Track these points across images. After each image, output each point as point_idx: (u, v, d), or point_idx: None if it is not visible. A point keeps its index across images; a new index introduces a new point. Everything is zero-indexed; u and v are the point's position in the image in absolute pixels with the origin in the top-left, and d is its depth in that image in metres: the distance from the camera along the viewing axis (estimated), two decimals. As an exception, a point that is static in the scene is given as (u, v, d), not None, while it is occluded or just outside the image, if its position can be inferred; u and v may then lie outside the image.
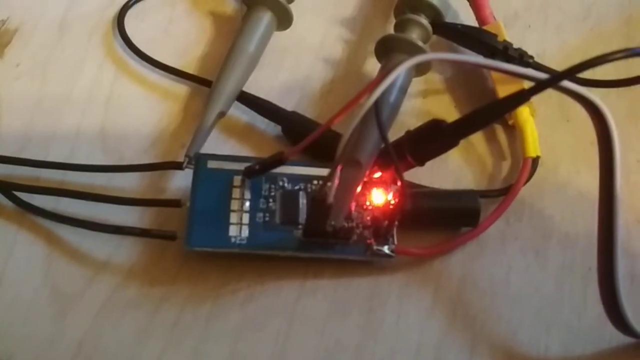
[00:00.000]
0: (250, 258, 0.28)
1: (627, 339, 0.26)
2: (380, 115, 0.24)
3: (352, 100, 0.25)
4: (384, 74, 0.24)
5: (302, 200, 0.28)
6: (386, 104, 0.28)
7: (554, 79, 0.24)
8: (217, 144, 0.30)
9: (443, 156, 0.27)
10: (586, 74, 0.23)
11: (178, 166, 0.29)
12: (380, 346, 0.27)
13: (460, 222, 0.29)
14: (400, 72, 0.24)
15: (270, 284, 0.28)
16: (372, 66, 0.33)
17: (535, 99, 0.24)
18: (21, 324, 0.27)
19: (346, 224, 0.27)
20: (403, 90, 0.30)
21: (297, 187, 0.28)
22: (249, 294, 0.27)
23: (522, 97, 0.25)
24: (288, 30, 0.33)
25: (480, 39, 0.30)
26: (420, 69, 0.31)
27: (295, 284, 0.28)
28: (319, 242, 0.27)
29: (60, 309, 0.27)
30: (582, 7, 0.36)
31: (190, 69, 0.33)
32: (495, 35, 0.31)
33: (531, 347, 0.27)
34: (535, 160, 0.30)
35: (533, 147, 0.30)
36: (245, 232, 0.27)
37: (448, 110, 0.32)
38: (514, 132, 0.31)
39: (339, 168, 0.25)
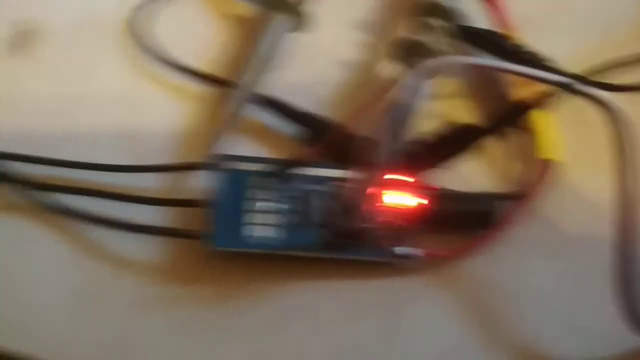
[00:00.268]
0: (272, 258, 0.28)
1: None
2: (407, 117, 0.24)
3: (375, 102, 0.25)
4: (409, 76, 0.24)
5: (323, 202, 0.28)
6: (411, 106, 0.29)
7: (574, 82, 0.24)
8: (236, 144, 0.31)
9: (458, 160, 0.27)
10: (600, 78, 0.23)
11: (199, 166, 0.29)
12: (400, 349, 0.27)
13: (477, 224, 0.29)
14: (427, 75, 0.24)
15: (291, 285, 0.28)
16: (387, 68, 0.33)
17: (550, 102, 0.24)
18: (48, 322, 0.27)
19: (366, 225, 0.28)
20: (425, 94, 0.30)
21: (318, 188, 0.29)
22: (271, 294, 0.28)
23: (543, 100, 0.25)
24: (303, 32, 0.33)
25: (499, 43, 0.31)
26: (439, 72, 0.31)
27: (316, 285, 0.28)
28: (340, 243, 0.28)
29: (87, 308, 0.27)
30: (596, 10, 0.36)
31: (207, 70, 0.33)
32: (512, 39, 0.31)
33: (551, 350, 0.27)
34: (552, 163, 0.30)
35: (549, 149, 0.30)
36: (268, 232, 0.28)
37: (463, 112, 0.32)
38: (530, 134, 0.32)
39: (364, 168, 0.25)
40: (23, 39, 0.34)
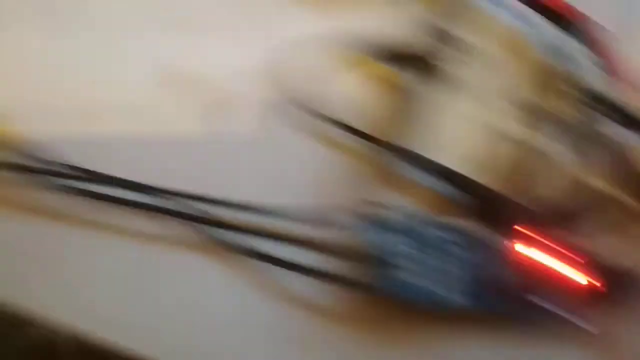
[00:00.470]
0: (437, 314, 0.30)
1: None
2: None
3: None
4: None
5: (484, 260, 0.31)
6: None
7: None
8: (390, 197, 0.34)
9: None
10: None
11: (362, 217, 0.32)
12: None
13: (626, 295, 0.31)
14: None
15: (461, 340, 0.30)
16: (523, 131, 0.36)
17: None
18: (221, 349, 0.30)
19: (537, 292, 0.30)
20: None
21: (478, 247, 0.31)
22: (439, 348, 0.30)
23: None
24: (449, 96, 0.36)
25: (627, 113, 0.34)
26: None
27: (486, 343, 0.30)
28: (509, 304, 0.30)
29: (282, 350, 0.30)
30: None
31: (362, 127, 0.36)
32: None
33: None
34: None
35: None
36: (433, 285, 0.30)
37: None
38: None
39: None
40: (210, 101, 0.36)
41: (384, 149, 0.35)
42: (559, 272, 0.30)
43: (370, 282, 0.31)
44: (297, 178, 0.35)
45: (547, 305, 0.30)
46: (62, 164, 0.34)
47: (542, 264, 0.30)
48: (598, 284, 0.29)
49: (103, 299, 0.31)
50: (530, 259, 0.30)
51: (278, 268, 0.32)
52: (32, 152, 0.34)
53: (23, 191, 0.34)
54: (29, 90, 0.37)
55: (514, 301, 0.30)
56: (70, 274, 0.32)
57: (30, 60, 0.38)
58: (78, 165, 0.34)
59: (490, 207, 0.33)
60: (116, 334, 0.30)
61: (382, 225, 0.32)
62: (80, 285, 0.32)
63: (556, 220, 0.31)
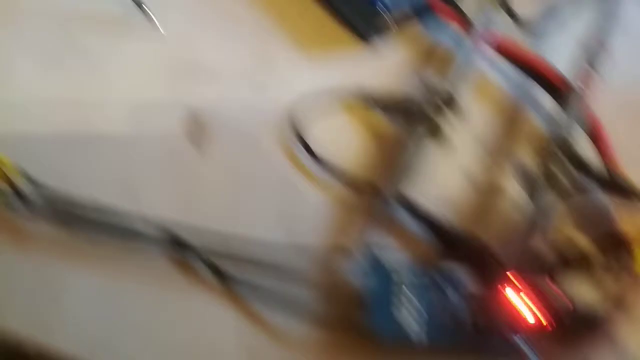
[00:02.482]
0: (416, 348, 0.32)
1: None
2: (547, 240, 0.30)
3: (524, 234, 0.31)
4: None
5: (460, 302, 0.33)
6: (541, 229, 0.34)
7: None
8: (377, 238, 0.36)
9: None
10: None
11: (348, 253, 0.34)
12: None
13: (587, 332, 0.34)
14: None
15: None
16: (504, 180, 0.38)
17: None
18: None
19: (502, 330, 0.32)
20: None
21: (454, 290, 0.33)
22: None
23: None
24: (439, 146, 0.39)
25: (618, 184, 0.36)
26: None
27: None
28: (478, 342, 0.32)
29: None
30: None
31: (350, 168, 0.38)
32: (628, 182, 0.36)
33: None
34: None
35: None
36: (416, 325, 0.32)
37: (568, 229, 0.37)
38: (627, 257, 0.36)
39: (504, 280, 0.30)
40: (199, 131, 0.39)
41: (375, 195, 0.37)
42: (521, 312, 0.32)
43: (357, 320, 0.33)
44: (294, 218, 0.37)
45: (505, 341, 0.32)
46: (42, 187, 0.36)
47: (508, 304, 0.32)
48: (547, 323, 0.32)
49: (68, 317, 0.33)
50: (500, 300, 0.32)
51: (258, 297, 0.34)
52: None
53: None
54: None
55: (480, 337, 0.32)
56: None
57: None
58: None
59: (471, 254, 0.35)
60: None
61: (372, 267, 0.34)
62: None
63: (534, 269, 0.33)
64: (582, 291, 0.35)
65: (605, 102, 0.40)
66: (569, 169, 0.37)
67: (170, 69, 0.41)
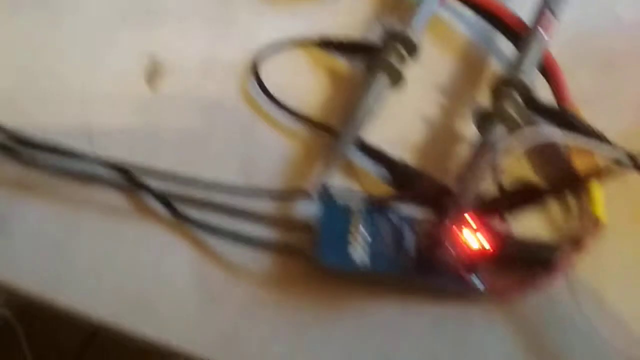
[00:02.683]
0: (364, 277, 0.33)
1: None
2: (497, 174, 0.30)
3: (470, 163, 0.31)
4: (498, 145, 0.30)
5: (409, 234, 0.34)
6: (490, 165, 0.35)
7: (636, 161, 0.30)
8: (335, 179, 0.36)
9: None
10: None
11: (306, 195, 0.35)
12: (466, 361, 0.32)
13: (538, 267, 0.34)
14: (515, 146, 0.30)
15: (379, 301, 0.33)
16: (463, 125, 0.39)
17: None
18: (173, 312, 0.33)
19: (447, 259, 0.33)
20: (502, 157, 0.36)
21: (404, 223, 0.34)
22: (361, 307, 0.33)
23: (608, 173, 0.31)
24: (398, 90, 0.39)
25: (566, 118, 0.37)
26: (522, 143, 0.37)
27: (399, 304, 0.33)
28: (422, 271, 0.33)
29: (205, 303, 0.33)
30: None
31: (310, 114, 0.39)
32: (578, 117, 0.37)
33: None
34: (601, 222, 0.36)
35: (600, 210, 0.36)
36: (364, 255, 0.33)
37: (524, 170, 0.38)
38: (583, 196, 0.37)
39: (451, 212, 0.31)
40: (158, 73, 0.40)
41: (334, 137, 0.37)
42: (468, 245, 0.33)
43: (308, 250, 0.33)
44: (253, 162, 0.37)
45: (452, 273, 0.32)
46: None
47: (458, 239, 0.33)
48: (493, 251, 0.32)
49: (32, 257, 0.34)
50: (449, 235, 0.32)
51: (214, 235, 0.34)
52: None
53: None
54: None
55: (440, 273, 0.33)
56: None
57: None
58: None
59: (425, 192, 0.35)
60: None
61: (326, 204, 0.34)
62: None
63: (485, 206, 0.33)
64: (536, 228, 0.36)
65: (565, 49, 0.41)
66: (523, 108, 0.37)
67: (130, 12, 0.41)
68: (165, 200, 0.35)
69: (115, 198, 0.35)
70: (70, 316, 0.33)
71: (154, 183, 0.36)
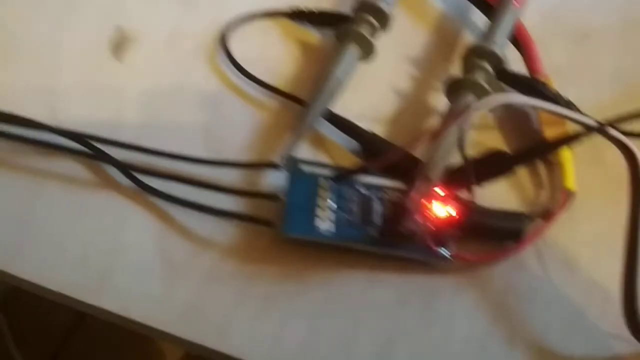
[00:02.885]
0: (331, 248, 0.33)
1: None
2: (462, 145, 0.30)
3: (435, 130, 0.31)
4: (464, 111, 0.30)
5: (377, 205, 0.33)
6: (459, 134, 0.34)
7: (603, 126, 0.29)
8: (304, 151, 0.36)
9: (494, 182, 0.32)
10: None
11: (274, 166, 0.34)
12: (434, 333, 0.32)
13: (507, 237, 0.34)
14: (479, 111, 0.29)
15: (345, 272, 0.33)
16: (435, 98, 0.39)
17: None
18: (136, 285, 0.32)
19: (414, 229, 0.33)
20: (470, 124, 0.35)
21: (372, 194, 0.34)
22: (327, 278, 0.33)
23: (574, 139, 0.30)
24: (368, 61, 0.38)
25: (535, 87, 0.36)
26: (489, 108, 0.36)
27: (366, 275, 0.33)
28: (389, 241, 0.33)
29: (169, 276, 0.32)
30: (615, 68, 0.41)
31: (280, 86, 0.38)
32: (547, 85, 0.37)
33: (559, 348, 0.32)
34: (572, 193, 0.35)
35: (571, 181, 0.35)
36: (330, 226, 0.33)
37: (496, 142, 0.37)
38: (553, 167, 0.37)
39: (418, 182, 0.30)
40: (122, 42, 0.39)
41: (303, 109, 0.36)
42: (448, 218, 0.32)
43: (274, 220, 0.33)
44: (221, 134, 0.37)
45: (416, 239, 0.32)
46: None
47: (425, 209, 0.32)
48: (458, 218, 0.32)
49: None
50: (417, 205, 0.32)
51: (178, 206, 0.34)
52: None
53: None
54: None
55: (406, 244, 0.32)
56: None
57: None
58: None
59: (402, 165, 0.34)
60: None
61: (294, 175, 0.34)
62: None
63: (455, 174, 0.33)
64: (506, 198, 0.35)
65: (539, 21, 0.40)
66: (494, 78, 0.36)
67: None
68: (127, 170, 0.34)
69: (77, 169, 0.35)
70: (30, 287, 0.32)
71: (117, 153, 0.35)
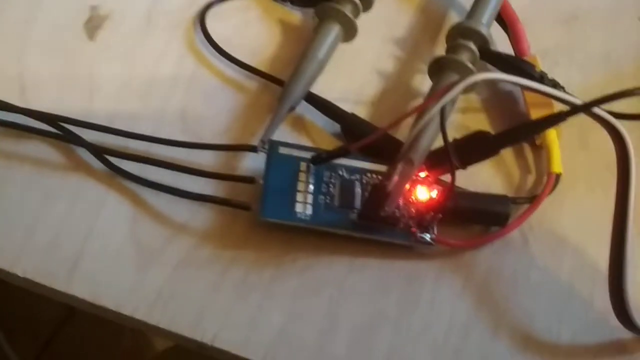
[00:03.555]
0: (310, 233, 0.32)
1: (628, 334, 0.31)
2: (443, 123, 0.29)
3: (415, 109, 0.30)
4: (446, 88, 0.29)
5: (357, 189, 0.32)
6: (442, 115, 0.33)
7: (589, 105, 0.29)
8: (284, 134, 0.35)
9: (479, 165, 0.31)
10: (605, 107, 0.28)
11: (252, 149, 0.33)
12: (416, 319, 0.31)
13: (491, 221, 0.33)
14: (461, 88, 0.28)
15: (325, 257, 0.32)
16: (419, 80, 0.38)
17: (559, 124, 0.29)
18: (108, 271, 0.31)
19: (395, 213, 0.32)
20: (454, 104, 0.34)
21: (353, 177, 0.33)
22: (307, 264, 0.32)
23: (559, 118, 0.29)
24: (349, 43, 0.37)
25: (521, 67, 0.35)
26: (468, 89, 0.35)
27: (346, 260, 0.32)
28: (370, 225, 0.32)
29: (143, 261, 0.31)
30: (603, 50, 0.41)
31: (260, 68, 0.37)
32: (532, 65, 0.36)
33: (545, 334, 0.31)
34: (558, 176, 0.34)
35: (557, 165, 0.34)
36: (309, 210, 0.32)
37: (483, 126, 0.36)
38: (540, 150, 0.36)
39: (399, 164, 0.29)
40: (96, 23, 0.38)
41: (283, 91, 0.35)
42: (432, 202, 0.31)
43: (252, 205, 0.32)
44: (210, 116, 0.35)
45: (398, 223, 0.31)
46: None
47: (408, 193, 0.32)
48: (440, 202, 0.31)
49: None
50: (398, 187, 0.31)
51: (153, 190, 0.33)
52: None
53: None
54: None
55: (388, 228, 0.32)
56: None
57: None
58: None
59: (384, 147, 0.34)
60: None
61: (273, 159, 0.33)
62: None
63: (439, 156, 0.32)
64: (491, 182, 0.34)
65: (527, 2, 0.39)
66: (478, 58, 0.35)
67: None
68: (100, 153, 0.33)
69: (48, 151, 0.33)
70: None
71: (90, 136, 0.34)
